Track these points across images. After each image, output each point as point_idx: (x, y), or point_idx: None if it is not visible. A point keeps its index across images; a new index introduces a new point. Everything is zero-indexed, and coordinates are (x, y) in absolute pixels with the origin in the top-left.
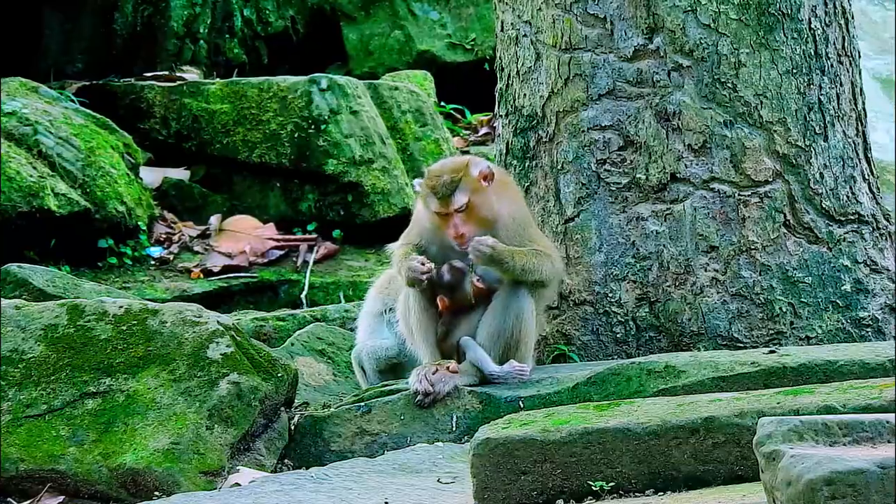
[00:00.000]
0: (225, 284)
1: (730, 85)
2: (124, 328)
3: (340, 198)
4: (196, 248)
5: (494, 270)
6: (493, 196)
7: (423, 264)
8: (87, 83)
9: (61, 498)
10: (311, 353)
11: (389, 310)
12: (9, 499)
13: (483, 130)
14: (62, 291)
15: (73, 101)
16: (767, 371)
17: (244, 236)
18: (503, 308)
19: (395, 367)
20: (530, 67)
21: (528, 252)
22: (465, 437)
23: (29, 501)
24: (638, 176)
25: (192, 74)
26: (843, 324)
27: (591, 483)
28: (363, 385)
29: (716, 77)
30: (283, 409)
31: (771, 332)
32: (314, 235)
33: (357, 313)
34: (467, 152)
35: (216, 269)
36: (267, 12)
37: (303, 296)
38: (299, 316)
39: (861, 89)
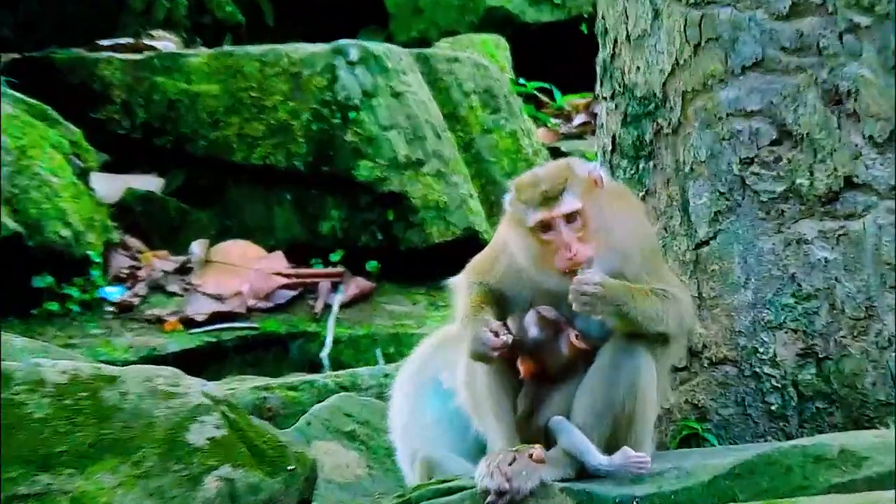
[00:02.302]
0: (213, 339)
1: None
2: (69, 403)
3: (377, 215)
4: (172, 288)
5: (608, 319)
6: (611, 208)
7: (497, 334)
8: (19, 56)
9: None
10: (335, 435)
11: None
12: None
13: (579, 119)
14: None
15: None
16: None
17: (240, 270)
18: (611, 373)
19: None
20: (645, 30)
21: (651, 292)
22: None
23: None
24: (798, 181)
25: (166, 42)
26: None
27: None
28: (410, 479)
29: None
30: None
31: None
32: (340, 269)
33: None
34: (557, 150)
35: (201, 318)
36: None
37: (324, 354)
38: (319, 383)
39: None
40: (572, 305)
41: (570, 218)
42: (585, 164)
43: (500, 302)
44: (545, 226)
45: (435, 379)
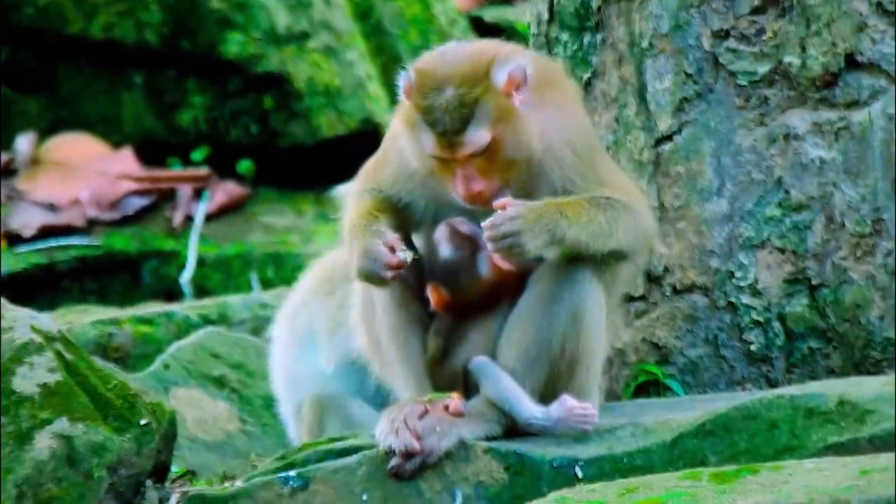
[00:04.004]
0: (44, 259)
1: None
2: None
3: (251, 102)
4: None
5: (544, 253)
6: (533, 109)
7: (392, 250)
8: None
9: None
10: (199, 381)
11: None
12: None
13: None
14: None
15: None
16: None
17: (78, 173)
18: (548, 303)
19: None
20: None
21: (589, 203)
22: None
23: None
24: (787, 60)
25: None
26: None
27: None
28: (295, 436)
29: None
30: (150, 482)
31: None
32: (204, 170)
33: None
34: (479, 20)
35: (29, 233)
36: None
37: (184, 279)
38: (179, 316)
39: None
40: (492, 253)
41: (475, 154)
42: (508, 63)
43: (400, 213)
44: (445, 160)
45: (312, 334)
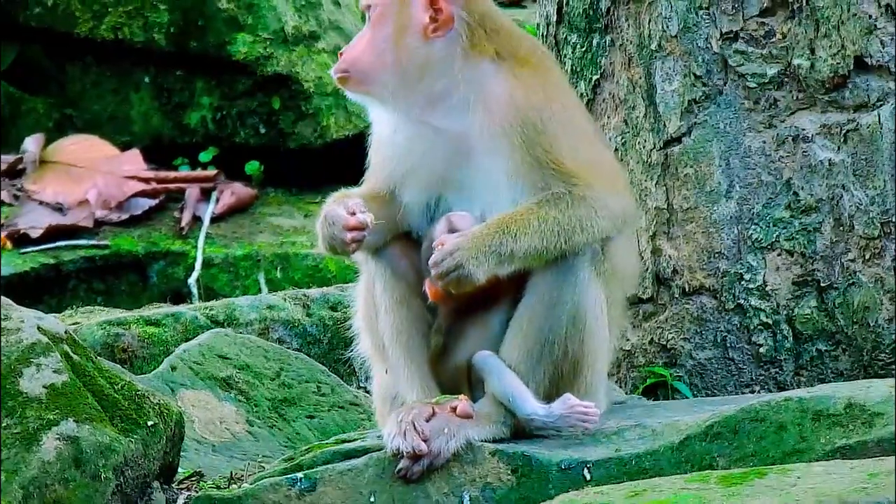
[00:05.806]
0: (52, 260)
1: None
2: None
3: (259, 103)
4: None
5: (499, 272)
6: (482, 62)
7: (352, 213)
8: None
9: None
10: (207, 383)
11: None
12: None
13: None
14: None
15: None
16: None
17: (86, 173)
18: (548, 306)
19: None
20: None
21: (542, 205)
22: None
23: None
24: (796, 62)
25: None
26: None
27: None
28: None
29: None
30: (157, 483)
31: None
32: (212, 171)
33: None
34: None
35: (36, 233)
36: None
37: (192, 280)
38: (186, 317)
39: None
40: (447, 288)
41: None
42: None
43: (396, 210)
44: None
45: None
